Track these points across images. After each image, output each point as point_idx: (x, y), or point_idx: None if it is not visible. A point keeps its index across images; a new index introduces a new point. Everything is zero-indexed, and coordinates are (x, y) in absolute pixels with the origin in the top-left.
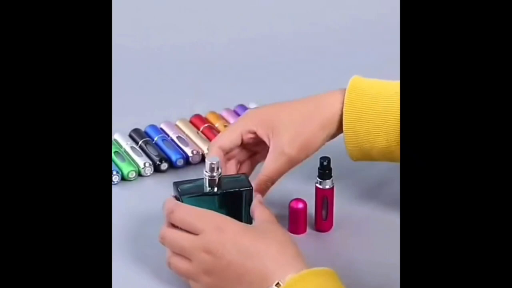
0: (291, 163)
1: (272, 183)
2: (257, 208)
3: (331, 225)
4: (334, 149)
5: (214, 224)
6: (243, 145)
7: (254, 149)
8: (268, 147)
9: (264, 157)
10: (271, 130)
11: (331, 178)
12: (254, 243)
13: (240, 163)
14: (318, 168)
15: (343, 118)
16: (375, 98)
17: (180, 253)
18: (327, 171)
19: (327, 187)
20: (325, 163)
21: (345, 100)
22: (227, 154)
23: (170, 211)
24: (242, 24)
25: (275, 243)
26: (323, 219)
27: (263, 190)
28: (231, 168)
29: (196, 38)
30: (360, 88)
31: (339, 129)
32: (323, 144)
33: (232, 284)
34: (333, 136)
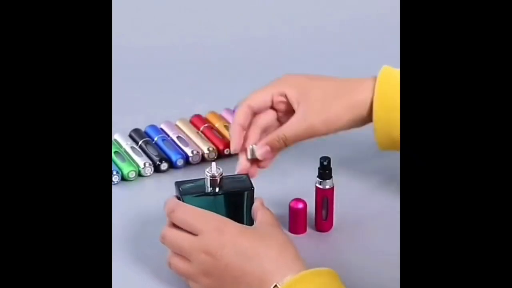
0: (311, 132)
1: (285, 144)
2: (259, 210)
3: (331, 225)
4: (334, 149)
5: (213, 225)
6: (271, 108)
7: (280, 119)
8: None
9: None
10: (301, 95)
11: (331, 178)
12: (253, 245)
13: (264, 131)
14: (318, 168)
15: (374, 105)
16: None
17: (180, 253)
18: (327, 171)
19: (327, 187)
20: (325, 163)
21: (376, 87)
22: (255, 114)
23: (170, 210)
24: (242, 24)
25: (274, 245)
26: (323, 219)
27: (273, 147)
28: (253, 134)
29: (196, 38)
30: (391, 76)
31: (369, 116)
32: (348, 126)
33: (231, 285)
34: (360, 122)
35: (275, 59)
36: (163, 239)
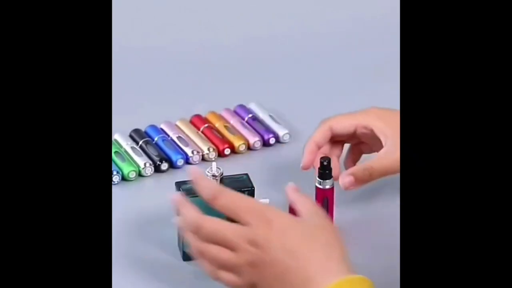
0: (399, 167)
1: (371, 176)
2: (297, 201)
3: None
4: None
5: (262, 216)
6: (352, 135)
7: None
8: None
9: (368, 150)
10: (390, 129)
11: (331, 178)
12: (301, 243)
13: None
14: (318, 168)
15: None
16: None
17: (223, 243)
18: (327, 171)
19: (327, 187)
20: (325, 163)
21: None
22: (333, 138)
23: (213, 197)
24: (243, 24)
25: (322, 246)
26: None
27: (358, 178)
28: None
29: (196, 38)
30: None
31: None
32: None
33: (274, 281)
34: None
35: (275, 59)
36: (200, 229)
